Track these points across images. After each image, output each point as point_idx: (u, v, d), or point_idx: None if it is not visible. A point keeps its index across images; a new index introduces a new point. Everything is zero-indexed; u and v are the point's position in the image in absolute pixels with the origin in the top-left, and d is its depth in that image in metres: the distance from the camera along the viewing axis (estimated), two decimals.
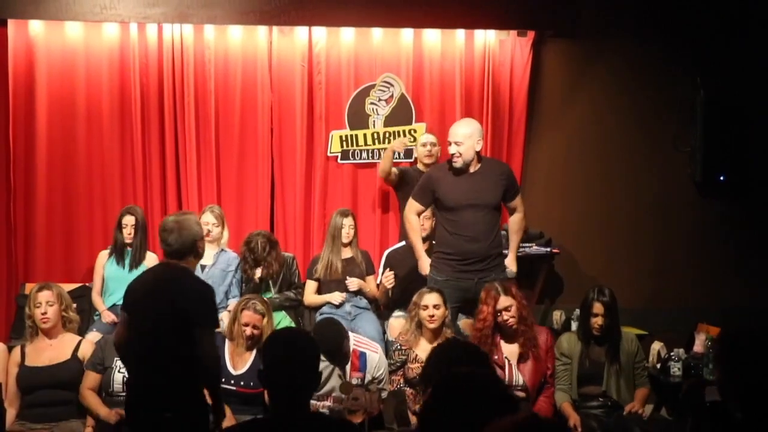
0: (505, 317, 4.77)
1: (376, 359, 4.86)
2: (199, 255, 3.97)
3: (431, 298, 4.91)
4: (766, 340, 2.71)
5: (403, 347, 4.95)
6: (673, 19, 6.55)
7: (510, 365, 4.79)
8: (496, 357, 4.75)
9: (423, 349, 4.89)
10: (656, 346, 5.82)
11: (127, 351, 3.94)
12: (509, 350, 4.84)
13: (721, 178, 6.58)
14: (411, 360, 4.89)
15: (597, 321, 4.93)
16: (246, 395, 4.71)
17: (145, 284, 3.94)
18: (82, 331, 5.08)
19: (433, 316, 4.88)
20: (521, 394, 4.78)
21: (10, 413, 4.40)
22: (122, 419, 4.42)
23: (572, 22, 6.55)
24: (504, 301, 4.77)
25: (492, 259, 5.12)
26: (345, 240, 5.85)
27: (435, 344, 4.80)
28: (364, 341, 4.99)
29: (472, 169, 5.09)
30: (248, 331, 4.74)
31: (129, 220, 5.73)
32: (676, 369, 5.49)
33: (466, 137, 5.04)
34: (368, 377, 4.78)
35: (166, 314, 3.75)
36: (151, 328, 3.78)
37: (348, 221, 5.86)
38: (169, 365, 3.73)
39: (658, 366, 5.65)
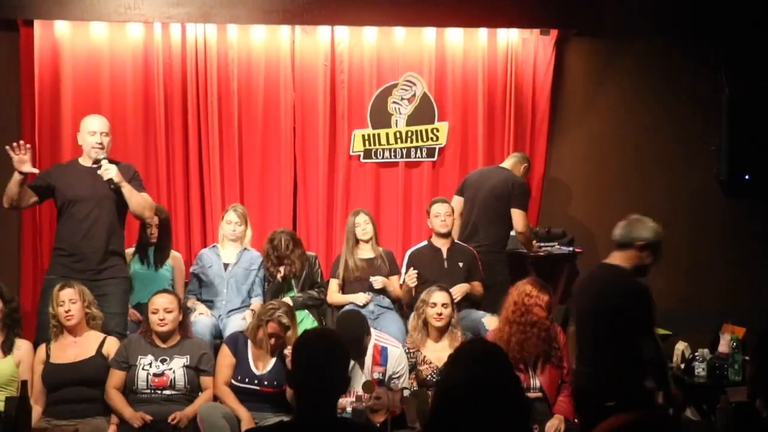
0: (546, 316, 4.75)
1: (397, 354, 4.86)
2: (632, 258, 4.07)
3: (440, 296, 4.94)
4: None
5: (411, 350, 4.95)
6: (698, 16, 6.50)
7: (528, 368, 4.75)
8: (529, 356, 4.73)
9: (430, 349, 4.91)
10: (680, 346, 5.78)
11: None
12: None
13: (747, 177, 6.52)
14: (420, 362, 4.90)
15: None
16: (268, 395, 4.73)
17: (583, 282, 4.29)
18: (123, 327, 5.11)
19: (441, 314, 4.90)
20: (539, 394, 4.75)
21: (36, 410, 4.43)
22: (146, 424, 4.47)
23: (596, 20, 6.52)
24: (546, 298, 4.74)
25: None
26: (363, 237, 5.84)
27: (441, 343, 4.88)
28: (385, 337, 5.01)
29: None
30: (273, 341, 4.77)
31: (153, 220, 5.75)
32: (700, 369, 5.45)
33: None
34: (389, 372, 4.79)
35: (595, 313, 3.99)
36: (584, 322, 4.14)
37: (361, 219, 5.85)
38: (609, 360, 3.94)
39: (683, 366, 5.61)
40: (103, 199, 5.00)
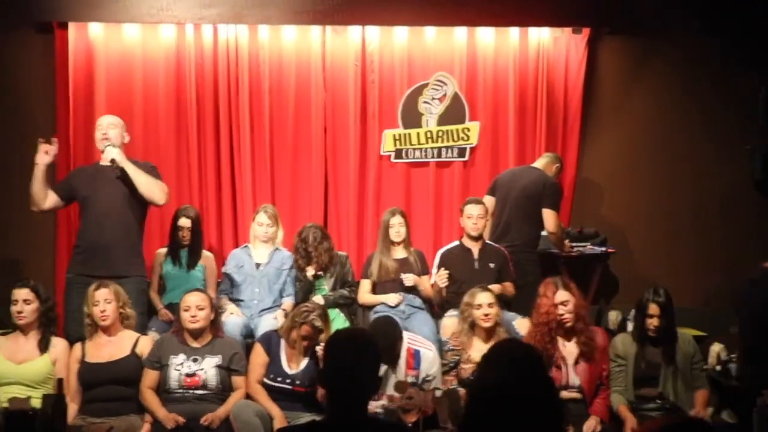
0: (561, 312, 4.75)
1: (430, 357, 4.86)
2: None
3: (484, 297, 4.91)
4: None
5: (455, 348, 4.93)
6: (733, 14, 6.42)
7: (566, 365, 4.75)
8: (553, 356, 4.72)
9: (477, 349, 4.88)
10: (716, 347, 5.69)
11: None
12: (566, 350, 4.80)
13: None
14: (464, 360, 4.88)
15: (652, 322, 4.84)
16: (300, 394, 4.74)
17: None
18: (141, 327, 5.14)
19: (488, 314, 4.87)
20: (577, 395, 4.74)
21: (72, 408, 4.47)
22: (179, 425, 4.48)
23: (628, 18, 6.47)
24: (562, 295, 4.76)
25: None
26: (395, 239, 5.84)
27: (489, 344, 4.84)
28: (418, 339, 5.00)
29: None
30: (305, 343, 4.78)
31: (185, 223, 5.78)
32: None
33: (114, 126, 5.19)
34: (422, 375, 4.79)
35: None
36: None
37: (397, 220, 5.85)
38: None
39: (718, 368, 5.53)
40: (117, 196, 5.06)
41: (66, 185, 5.23)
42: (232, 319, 5.45)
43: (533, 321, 4.89)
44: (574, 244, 6.26)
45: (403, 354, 4.81)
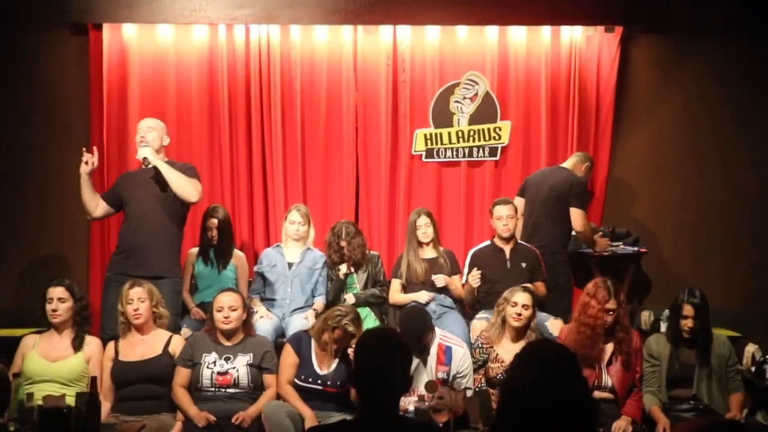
0: (605, 318, 4.72)
1: (461, 353, 4.85)
2: None
3: (521, 297, 4.89)
4: None
5: (484, 345, 4.92)
6: None
7: (600, 367, 4.73)
8: (592, 356, 4.69)
9: (505, 348, 4.86)
10: (751, 348, 5.63)
11: None
12: (602, 350, 4.77)
13: None
14: (492, 359, 4.87)
15: (687, 323, 4.80)
16: (332, 394, 4.74)
17: None
18: (175, 327, 5.17)
19: (520, 314, 4.85)
20: (609, 395, 4.71)
21: (105, 406, 4.51)
22: (210, 424, 4.51)
23: (663, 16, 6.40)
24: (611, 304, 4.73)
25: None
26: (423, 240, 5.84)
27: (517, 344, 4.83)
28: (450, 336, 4.99)
29: None
30: (336, 346, 4.78)
31: (212, 223, 5.81)
32: None
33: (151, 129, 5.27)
34: (453, 371, 4.78)
35: None
36: None
37: (423, 220, 5.84)
38: None
39: (753, 369, 5.47)
40: (154, 198, 5.15)
41: (112, 192, 5.38)
42: (262, 323, 5.45)
43: (579, 320, 4.81)
44: (609, 243, 6.21)
45: (435, 350, 4.81)
